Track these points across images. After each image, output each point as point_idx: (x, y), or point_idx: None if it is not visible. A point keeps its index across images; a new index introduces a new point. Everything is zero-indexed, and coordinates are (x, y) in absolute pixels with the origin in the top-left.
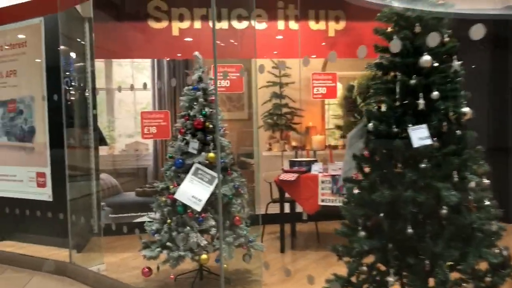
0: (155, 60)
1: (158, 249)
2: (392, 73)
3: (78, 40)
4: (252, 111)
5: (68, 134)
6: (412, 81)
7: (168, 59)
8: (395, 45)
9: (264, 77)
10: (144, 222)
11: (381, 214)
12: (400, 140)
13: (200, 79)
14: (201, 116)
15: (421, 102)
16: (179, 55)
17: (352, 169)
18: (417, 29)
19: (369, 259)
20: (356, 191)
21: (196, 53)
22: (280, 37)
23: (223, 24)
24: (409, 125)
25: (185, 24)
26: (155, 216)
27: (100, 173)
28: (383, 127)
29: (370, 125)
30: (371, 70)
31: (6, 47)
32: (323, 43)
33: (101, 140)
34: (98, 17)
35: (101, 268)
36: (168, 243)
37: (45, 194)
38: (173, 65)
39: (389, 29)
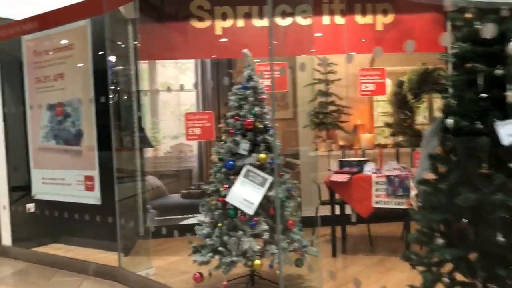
0: (198, 60)
1: (210, 254)
2: (469, 64)
3: (119, 43)
4: (297, 110)
5: (115, 137)
6: (499, 71)
7: (211, 58)
8: (489, 29)
9: (310, 75)
10: (189, 224)
11: (466, 220)
12: (486, 137)
13: (249, 77)
14: (251, 116)
15: (510, 94)
16: (214, 56)
17: (426, 170)
18: (505, 12)
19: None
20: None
21: (245, 50)
22: (319, 34)
23: (266, 22)
24: (496, 121)
25: (228, 23)
26: (205, 219)
27: (146, 176)
28: (465, 123)
29: (450, 121)
30: (447, 61)
31: (51, 52)
32: (362, 39)
33: (146, 142)
34: (142, 18)
35: (150, 273)
36: (219, 248)
37: (94, 197)
38: (217, 64)
39: (468, 15)
